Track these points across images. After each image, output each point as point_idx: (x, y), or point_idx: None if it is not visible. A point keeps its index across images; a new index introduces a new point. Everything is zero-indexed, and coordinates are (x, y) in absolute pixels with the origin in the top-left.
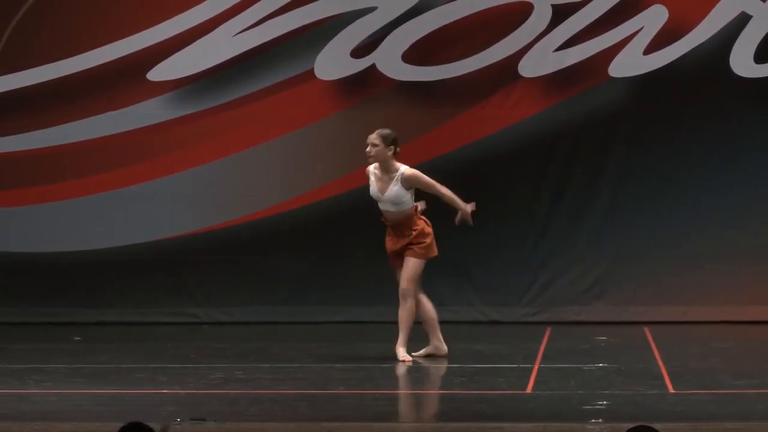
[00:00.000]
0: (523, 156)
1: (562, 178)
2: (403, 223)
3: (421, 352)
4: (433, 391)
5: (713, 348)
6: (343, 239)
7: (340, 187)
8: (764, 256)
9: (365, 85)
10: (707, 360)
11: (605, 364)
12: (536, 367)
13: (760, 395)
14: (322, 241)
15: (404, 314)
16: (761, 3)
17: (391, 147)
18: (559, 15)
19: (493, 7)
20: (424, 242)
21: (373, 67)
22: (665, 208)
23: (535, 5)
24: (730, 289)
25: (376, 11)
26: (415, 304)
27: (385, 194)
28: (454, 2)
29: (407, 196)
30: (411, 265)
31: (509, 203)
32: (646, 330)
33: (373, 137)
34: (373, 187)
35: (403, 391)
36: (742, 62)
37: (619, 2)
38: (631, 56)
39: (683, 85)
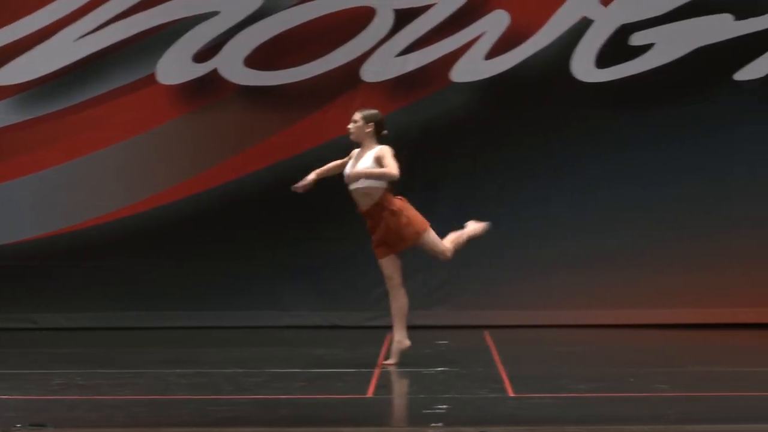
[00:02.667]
0: None
1: (405, 182)
2: (376, 207)
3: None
4: (274, 396)
5: (554, 352)
6: (186, 243)
7: (184, 191)
8: (606, 260)
9: (208, 89)
10: (548, 364)
11: (446, 368)
12: (377, 371)
13: (601, 399)
14: (165, 246)
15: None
16: (602, 8)
17: (370, 125)
18: (402, 20)
19: (335, 12)
20: (408, 227)
21: (215, 71)
22: (507, 212)
23: (377, 10)
24: (571, 294)
25: (218, 16)
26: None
27: (355, 167)
28: (296, 7)
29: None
30: (426, 244)
31: (351, 208)
32: (487, 334)
33: (355, 114)
34: (347, 169)
35: (244, 396)
36: (583, 67)
37: (462, 7)
38: (473, 61)
39: (525, 90)
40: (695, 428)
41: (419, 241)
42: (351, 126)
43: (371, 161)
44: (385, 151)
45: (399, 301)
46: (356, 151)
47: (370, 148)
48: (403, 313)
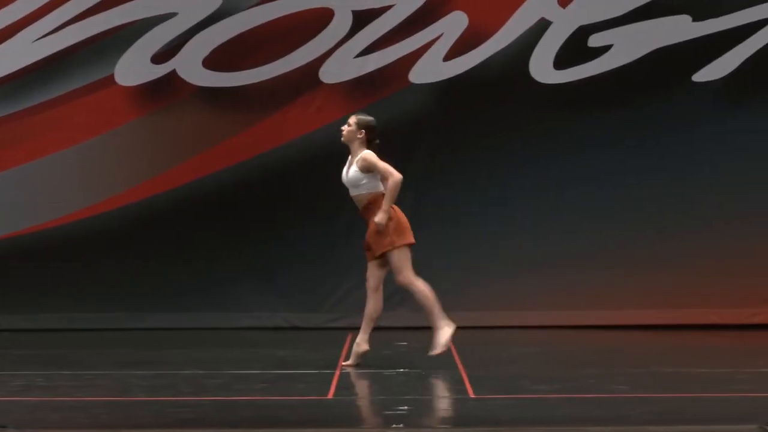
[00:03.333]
0: (326, 161)
1: None
2: (367, 210)
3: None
4: (236, 398)
5: (515, 353)
6: (147, 245)
7: (144, 192)
8: (567, 261)
9: (166, 90)
10: (508, 365)
11: (407, 370)
12: (338, 372)
13: (561, 399)
14: (125, 247)
15: (419, 299)
16: (561, 9)
17: (362, 131)
18: (360, 21)
19: (294, 13)
20: (386, 235)
21: (173, 72)
22: (468, 213)
23: (336, 11)
24: (531, 295)
25: (176, 17)
26: (421, 288)
27: (347, 177)
28: (254, 8)
29: (365, 180)
30: (391, 261)
31: (312, 209)
32: None
33: (351, 118)
34: (343, 174)
35: (204, 398)
36: (542, 68)
37: (420, 9)
38: (432, 62)
39: (484, 91)
40: (656, 429)
41: (388, 253)
42: (344, 128)
43: (357, 171)
44: (369, 158)
45: (369, 306)
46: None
47: (357, 154)
48: (370, 318)
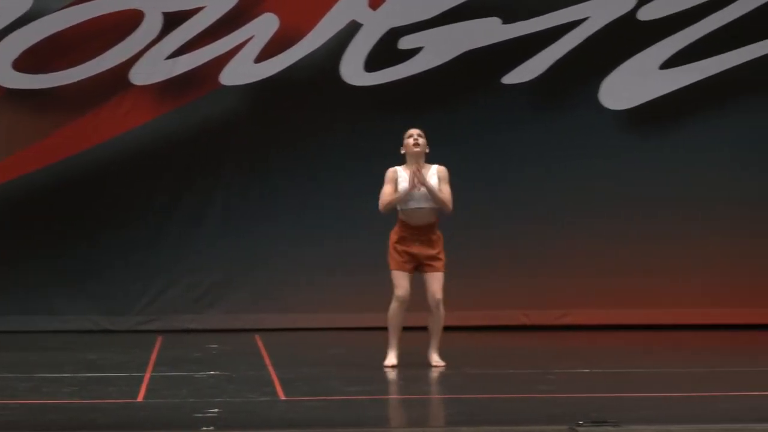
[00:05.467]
0: (137, 163)
1: (176, 185)
2: (432, 226)
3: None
4: (45, 401)
5: (325, 355)
6: None
7: None
8: (375, 263)
9: None
10: (319, 366)
11: (217, 372)
12: (147, 375)
13: (372, 401)
14: None
15: (435, 322)
16: (371, 11)
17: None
18: (171, 23)
19: (104, 15)
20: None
21: None
22: (280, 216)
23: (146, 13)
24: (338, 298)
25: None
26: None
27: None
28: (65, 10)
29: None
30: (441, 278)
31: (123, 211)
32: (257, 338)
33: (419, 131)
34: (407, 185)
35: (13, 401)
36: (352, 70)
37: (231, 10)
38: (243, 64)
39: (296, 93)
40: (466, 430)
41: (443, 273)
42: (420, 140)
43: (438, 181)
44: (447, 174)
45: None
46: (400, 169)
47: (422, 165)
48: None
